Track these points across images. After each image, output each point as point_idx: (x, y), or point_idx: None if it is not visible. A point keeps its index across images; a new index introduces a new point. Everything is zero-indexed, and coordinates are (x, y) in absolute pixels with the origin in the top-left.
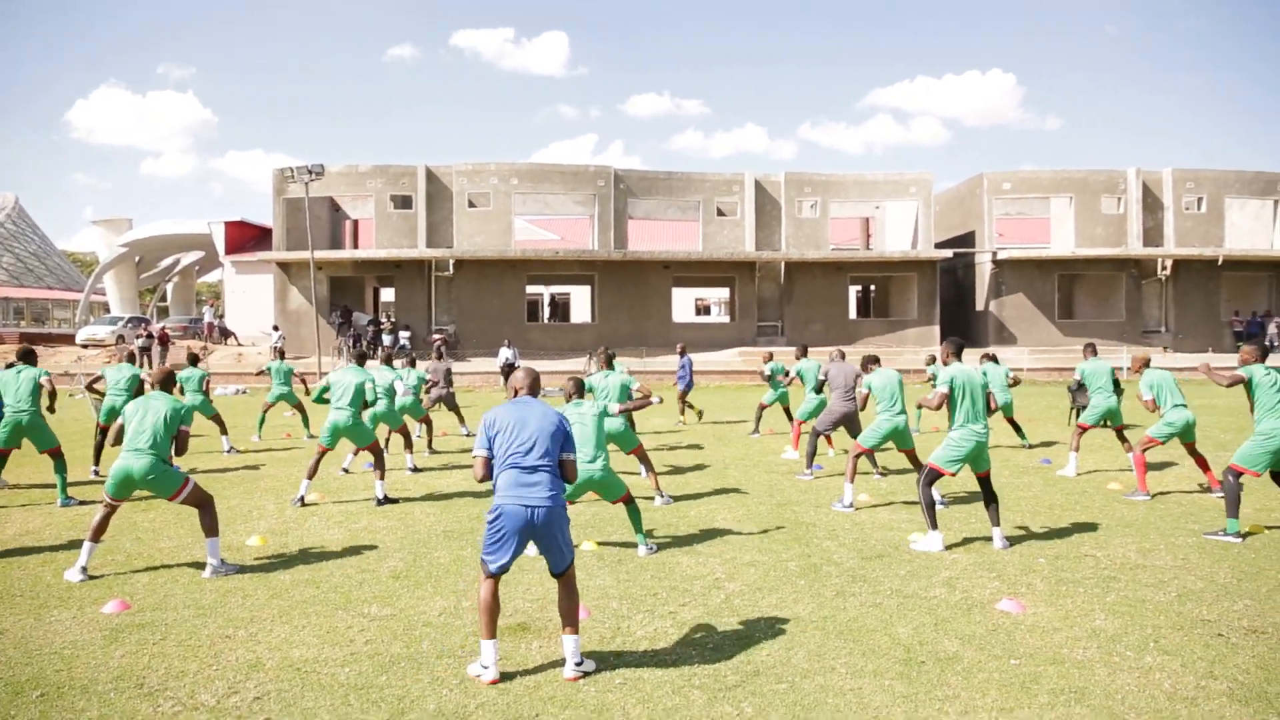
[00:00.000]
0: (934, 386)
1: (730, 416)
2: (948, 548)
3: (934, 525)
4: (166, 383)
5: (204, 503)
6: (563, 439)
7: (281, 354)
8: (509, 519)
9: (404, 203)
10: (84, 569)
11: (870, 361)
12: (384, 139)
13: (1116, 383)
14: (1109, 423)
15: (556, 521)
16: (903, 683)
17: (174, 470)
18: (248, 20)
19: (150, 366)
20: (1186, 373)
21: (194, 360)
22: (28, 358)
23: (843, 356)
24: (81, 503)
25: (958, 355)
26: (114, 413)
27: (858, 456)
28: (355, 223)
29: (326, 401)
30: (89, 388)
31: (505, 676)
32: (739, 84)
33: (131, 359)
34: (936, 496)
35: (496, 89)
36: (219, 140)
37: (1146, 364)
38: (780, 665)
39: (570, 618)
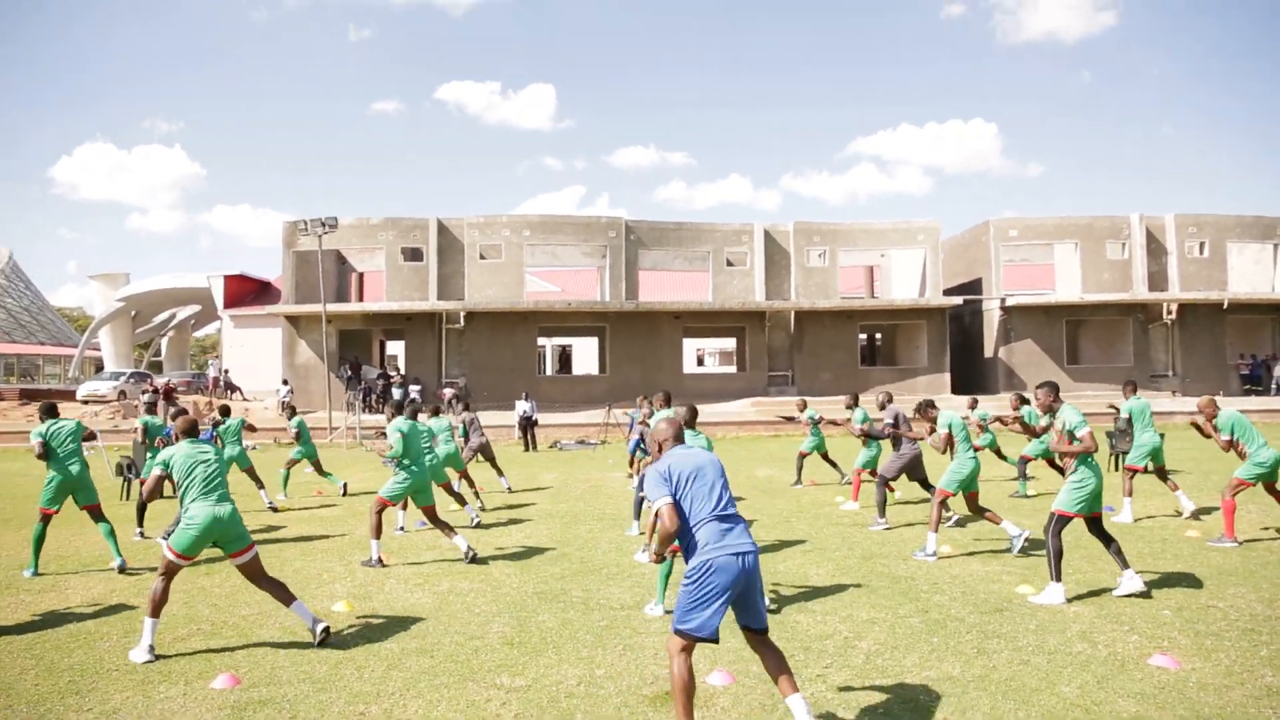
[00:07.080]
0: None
1: (762, 469)
2: (1067, 600)
3: (1058, 577)
4: (193, 431)
5: (259, 576)
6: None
7: (286, 407)
8: (721, 573)
9: (414, 255)
10: (151, 648)
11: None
12: (369, 192)
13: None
14: (1151, 462)
15: (759, 567)
16: None
17: None
18: (236, 74)
19: None
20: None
21: (225, 412)
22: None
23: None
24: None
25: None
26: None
27: (942, 503)
28: (361, 275)
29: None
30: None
31: None
32: (722, 135)
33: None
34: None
35: (482, 142)
36: (207, 194)
37: (1214, 406)
38: None
39: (788, 677)
